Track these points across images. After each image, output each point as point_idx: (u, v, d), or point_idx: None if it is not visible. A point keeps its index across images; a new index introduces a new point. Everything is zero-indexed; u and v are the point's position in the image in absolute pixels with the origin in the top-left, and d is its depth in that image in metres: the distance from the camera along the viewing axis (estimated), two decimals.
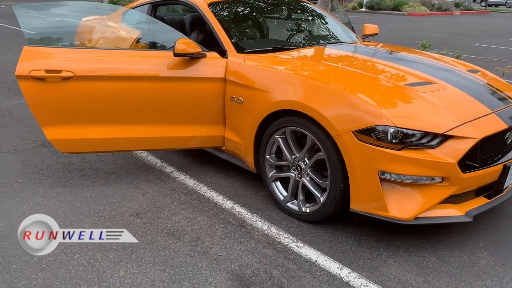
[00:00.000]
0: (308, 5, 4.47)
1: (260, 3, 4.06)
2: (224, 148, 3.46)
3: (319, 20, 4.38)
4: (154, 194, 3.27)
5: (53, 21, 4.96)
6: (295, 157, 2.93)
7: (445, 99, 2.71)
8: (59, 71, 2.99)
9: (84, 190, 3.31)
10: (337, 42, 3.96)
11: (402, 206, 2.54)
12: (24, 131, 4.54)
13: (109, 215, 2.97)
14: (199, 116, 3.32)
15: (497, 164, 2.67)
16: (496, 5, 36.93)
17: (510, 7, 34.60)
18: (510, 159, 2.74)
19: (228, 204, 3.16)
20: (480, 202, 2.74)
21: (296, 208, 2.97)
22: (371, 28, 4.48)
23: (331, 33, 4.20)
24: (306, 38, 4.03)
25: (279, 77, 2.96)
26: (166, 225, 2.88)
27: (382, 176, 2.51)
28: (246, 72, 3.14)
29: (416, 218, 2.54)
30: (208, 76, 3.23)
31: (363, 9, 26.86)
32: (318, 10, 4.49)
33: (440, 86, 2.84)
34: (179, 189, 3.36)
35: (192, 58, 3.20)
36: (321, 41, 3.94)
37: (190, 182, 3.49)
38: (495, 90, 3.02)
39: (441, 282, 2.40)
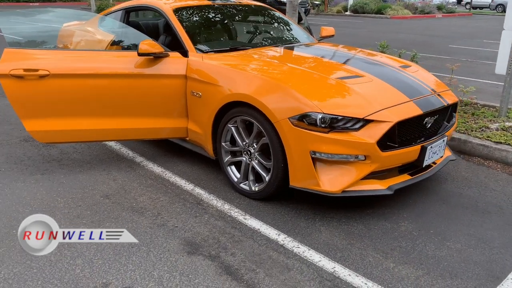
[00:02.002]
0: (269, 10, 4.91)
1: (222, 8, 4.48)
2: (188, 139, 3.87)
3: (277, 24, 4.81)
4: (124, 180, 3.67)
5: (39, 26, 5.40)
6: (245, 143, 3.34)
7: (370, 90, 3.15)
8: (36, 70, 3.38)
9: (60, 177, 3.70)
10: (290, 43, 4.39)
11: (332, 181, 2.96)
12: (9, 128, 4.92)
13: (81, 196, 3.37)
14: (163, 110, 3.72)
15: (415, 145, 3.10)
16: (481, 7, 37.63)
17: (493, 10, 35.30)
18: (428, 141, 3.17)
19: (189, 186, 3.57)
20: (403, 178, 3.17)
21: (247, 188, 3.38)
22: (327, 30, 4.92)
23: (286, 35, 4.63)
24: (263, 39, 4.45)
25: (230, 73, 3.38)
26: (131, 204, 3.27)
27: (313, 156, 2.93)
28: (203, 69, 3.56)
29: (343, 191, 2.96)
30: (171, 74, 3.64)
31: (347, 13, 27.43)
32: (278, 14, 4.92)
33: (367, 79, 3.27)
34: (146, 175, 3.76)
35: (156, 58, 3.61)
36: (276, 42, 4.37)
37: (157, 169, 3.89)
38: (419, 81, 3.45)
39: (363, 244, 2.82)
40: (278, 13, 4.94)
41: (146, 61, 3.61)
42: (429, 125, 3.23)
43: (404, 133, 3.07)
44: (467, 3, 39.07)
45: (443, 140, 3.31)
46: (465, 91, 5.56)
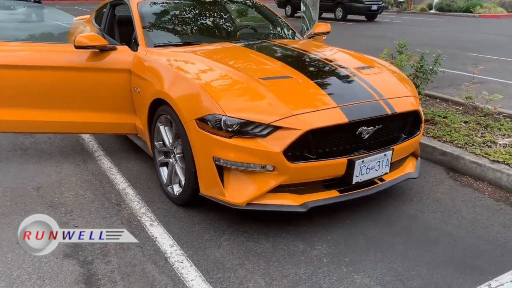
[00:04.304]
0: (252, 2, 4.62)
1: (196, 1, 4.29)
2: (138, 135, 3.75)
3: (255, 18, 4.51)
4: (67, 173, 3.64)
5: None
6: (171, 144, 3.13)
7: (292, 92, 2.79)
8: None
9: (13, 165, 3.77)
10: (255, 39, 4.07)
11: (236, 192, 2.66)
12: None
13: (15, 187, 3.39)
14: (112, 104, 3.63)
15: (340, 158, 2.67)
16: None
17: None
18: (358, 155, 2.72)
19: (123, 185, 3.44)
20: (328, 195, 2.77)
21: (171, 191, 3.17)
22: (321, 27, 4.52)
23: (259, 30, 4.32)
24: (228, 34, 4.14)
25: (160, 69, 3.20)
26: (54, 199, 3.22)
27: (217, 162, 2.65)
28: (142, 64, 3.40)
29: (248, 204, 2.65)
30: (116, 68, 3.54)
31: (432, 11, 25.65)
32: (262, 8, 4.61)
33: (295, 80, 2.90)
34: (91, 170, 3.70)
35: (102, 51, 3.52)
36: (240, 38, 4.07)
37: (107, 165, 3.82)
38: (366, 85, 2.98)
39: (255, 266, 2.49)
40: (263, 7, 4.63)
41: (94, 55, 3.54)
42: (367, 135, 2.77)
43: (327, 143, 2.67)
44: None
45: (385, 155, 2.83)
46: (488, 99, 4.82)
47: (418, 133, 3.10)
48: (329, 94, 2.79)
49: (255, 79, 2.87)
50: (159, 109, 3.13)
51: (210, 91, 2.72)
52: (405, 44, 5.50)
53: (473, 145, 3.92)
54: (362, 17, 20.09)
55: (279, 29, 4.41)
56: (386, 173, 2.92)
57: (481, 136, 4.10)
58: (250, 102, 2.71)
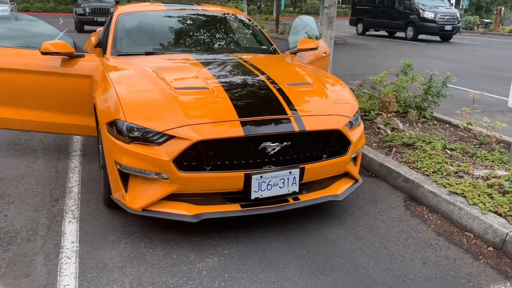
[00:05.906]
0: (235, 17, 4.68)
1: (174, 14, 4.44)
2: None
3: (232, 32, 4.56)
4: (36, 169, 3.94)
5: None
6: None
7: (199, 103, 2.82)
8: None
9: None
10: (216, 52, 4.10)
11: (134, 197, 2.74)
12: None
13: None
14: (77, 107, 3.88)
15: (235, 171, 2.64)
16: None
17: None
18: (258, 170, 2.67)
19: (73, 184, 3.66)
20: (227, 208, 2.75)
21: (103, 193, 3.31)
22: (306, 44, 4.45)
23: (228, 44, 4.35)
24: (195, 46, 4.18)
25: (103, 75, 3.37)
26: (6, 189, 3.51)
27: (118, 167, 2.75)
28: (98, 70, 3.61)
29: (143, 210, 2.70)
30: (81, 73, 3.79)
31: None
32: (247, 22, 4.66)
33: (211, 92, 2.91)
34: (58, 168, 3.97)
35: (72, 58, 3.79)
36: (204, 50, 4.13)
37: (74, 164, 4.07)
38: (284, 102, 2.89)
39: (133, 270, 2.53)
40: (247, 20, 4.68)
41: (65, 61, 3.81)
42: (273, 151, 2.70)
43: (225, 156, 2.65)
44: None
45: (291, 173, 2.73)
46: (491, 127, 4.42)
47: (343, 154, 2.95)
48: (236, 107, 2.76)
49: (170, 89, 2.93)
50: None
51: (121, 98, 2.83)
52: (410, 64, 5.21)
53: (441, 174, 3.62)
54: (436, 38, 19.19)
55: (256, 43, 4.42)
56: (295, 192, 2.81)
57: (457, 166, 3.76)
58: (153, 110, 2.76)
